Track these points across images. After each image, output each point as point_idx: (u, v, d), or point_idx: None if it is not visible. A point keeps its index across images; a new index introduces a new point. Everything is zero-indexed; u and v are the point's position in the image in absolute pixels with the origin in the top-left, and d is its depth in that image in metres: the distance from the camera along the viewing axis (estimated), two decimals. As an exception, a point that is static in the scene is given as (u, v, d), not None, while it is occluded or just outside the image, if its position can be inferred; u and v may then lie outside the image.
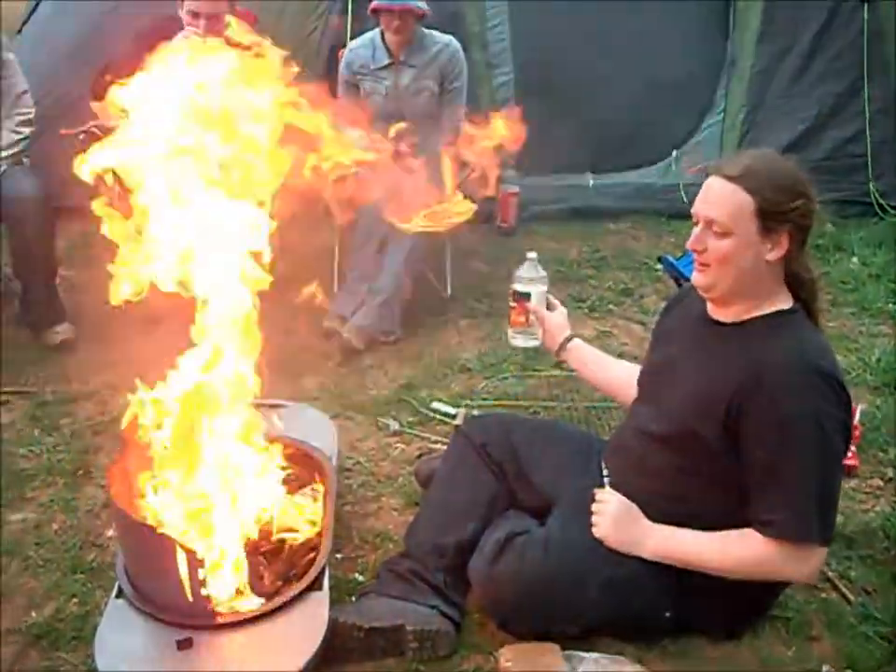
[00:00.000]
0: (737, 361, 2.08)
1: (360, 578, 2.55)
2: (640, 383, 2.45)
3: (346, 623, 2.20)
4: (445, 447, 2.86)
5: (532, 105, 4.98)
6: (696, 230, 2.10)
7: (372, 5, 3.98)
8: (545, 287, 2.60)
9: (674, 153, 5.35)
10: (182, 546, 2.07)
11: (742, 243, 2.03)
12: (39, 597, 2.48)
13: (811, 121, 5.27)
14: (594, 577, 2.20)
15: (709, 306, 2.22)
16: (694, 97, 5.37)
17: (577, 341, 2.65)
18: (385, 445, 3.23)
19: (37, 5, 5.19)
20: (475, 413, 3.33)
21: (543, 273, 2.61)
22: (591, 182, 5.19)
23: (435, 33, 4.15)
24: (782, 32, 5.28)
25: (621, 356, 3.80)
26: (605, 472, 2.42)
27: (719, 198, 2.05)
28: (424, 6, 3.96)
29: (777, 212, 2.01)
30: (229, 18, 3.43)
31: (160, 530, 2.12)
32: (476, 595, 2.35)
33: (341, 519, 2.78)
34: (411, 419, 3.37)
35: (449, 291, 4.30)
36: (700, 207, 2.09)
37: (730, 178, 2.03)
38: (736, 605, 2.28)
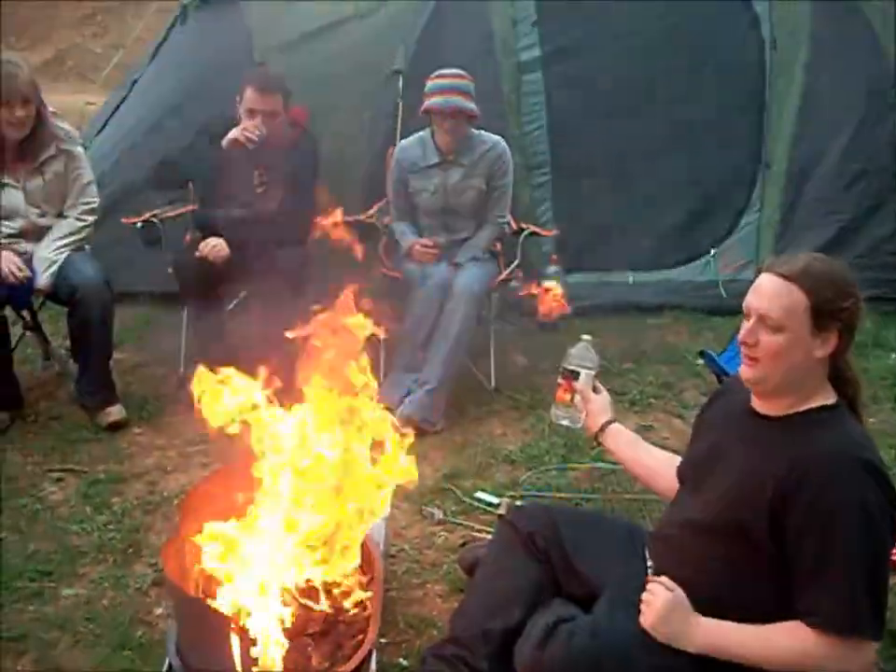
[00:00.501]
0: (783, 454, 2.10)
1: (405, 663, 2.58)
2: (682, 473, 2.47)
3: None
4: (489, 536, 2.90)
5: (572, 206, 5.22)
6: (748, 323, 2.14)
7: (425, 105, 4.13)
8: (594, 371, 2.64)
9: (712, 251, 5.43)
10: (236, 623, 2.10)
11: (794, 339, 2.08)
12: (88, 672, 2.52)
13: (847, 221, 5.34)
14: (640, 664, 2.20)
15: (753, 399, 2.25)
16: (731, 196, 5.47)
17: (616, 425, 2.67)
18: (429, 534, 3.26)
19: (117, 107, 5.44)
20: (518, 503, 3.36)
21: (595, 356, 2.65)
22: (630, 279, 5.27)
23: (483, 132, 4.30)
24: (816, 135, 5.40)
25: (662, 448, 3.86)
26: (648, 562, 2.44)
27: (774, 295, 2.09)
28: (474, 107, 4.10)
29: (830, 311, 2.06)
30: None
31: (215, 607, 2.16)
32: None
33: (386, 604, 2.79)
34: (454, 508, 3.40)
35: (493, 384, 4.36)
36: (754, 302, 2.13)
37: (785, 277, 2.08)
38: None
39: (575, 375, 2.61)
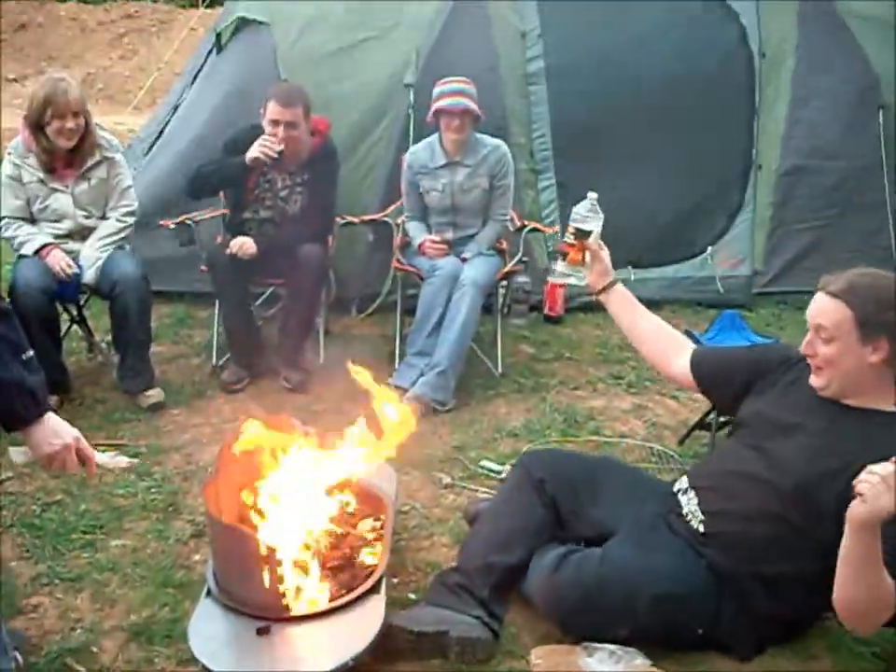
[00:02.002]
0: (861, 442, 2.38)
1: (413, 597, 2.91)
2: (749, 424, 2.69)
3: (398, 627, 2.55)
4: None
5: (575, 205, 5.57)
6: (808, 336, 2.52)
7: (434, 107, 4.51)
8: (600, 227, 2.69)
9: (709, 249, 5.78)
10: (265, 545, 2.47)
11: (844, 347, 2.43)
12: (137, 605, 2.88)
13: (835, 217, 5.74)
14: (644, 590, 2.51)
15: None
16: (725, 197, 5.83)
17: (620, 286, 2.87)
18: (437, 495, 3.60)
19: (162, 130, 5.86)
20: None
21: (601, 214, 2.69)
22: (632, 276, 5.58)
23: (486, 136, 4.67)
24: (804, 137, 5.78)
25: (654, 425, 4.20)
26: (692, 500, 2.65)
27: (823, 311, 2.46)
28: (478, 110, 4.48)
29: (875, 321, 2.40)
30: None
31: (246, 532, 2.53)
32: (538, 602, 2.66)
33: (397, 551, 3.14)
34: (461, 475, 3.74)
35: (500, 369, 4.70)
36: (810, 318, 2.51)
37: (832, 294, 2.45)
38: (769, 631, 2.59)
39: (587, 234, 2.68)
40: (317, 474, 2.97)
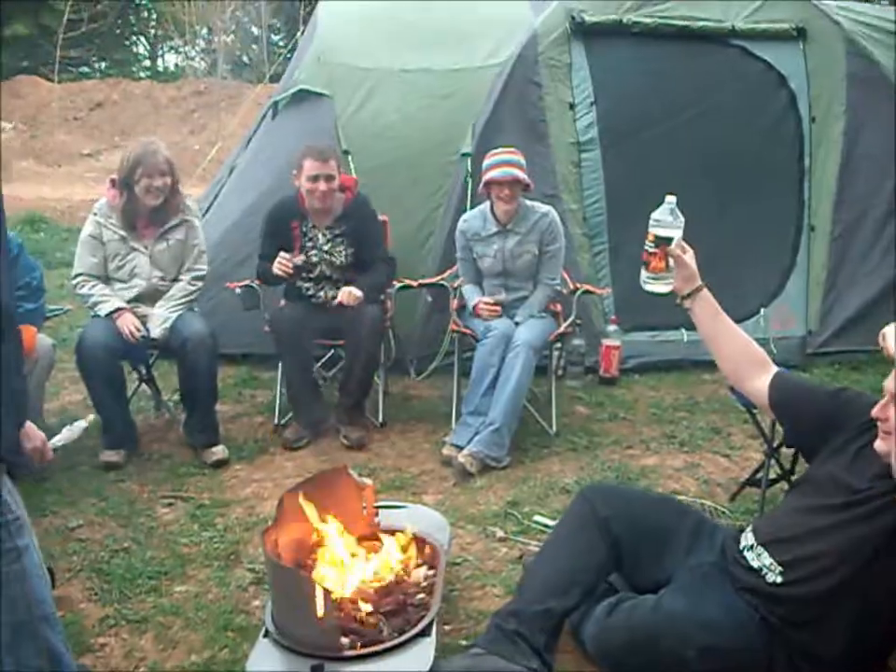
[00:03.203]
0: None
1: (464, 643, 2.98)
2: (819, 484, 2.59)
3: None
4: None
5: (629, 270, 5.65)
6: (883, 400, 2.39)
7: (485, 178, 4.68)
8: (681, 232, 2.62)
9: (762, 310, 5.83)
10: (321, 586, 2.57)
11: None
12: (198, 647, 3.00)
13: (890, 279, 5.76)
14: (694, 640, 2.51)
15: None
16: (777, 258, 5.92)
17: (706, 293, 2.74)
18: (490, 549, 3.67)
19: (221, 188, 6.14)
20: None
21: (682, 218, 2.61)
22: (685, 337, 5.65)
23: (536, 203, 4.81)
24: (856, 199, 5.86)
25: (706, 482, 4.24)
26: (762, 555, 2.58)
27: None
28: (526, 178, 4.63)
29: None
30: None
31: (302, 574, 2.64)
32: (589, 648, 2.73)
33: (450, 600, 3.23)
34: (514, 529, 3.80)
35: (554, 429, 4.77)
36: (890, 384, 2.32)
37: None
38: None
39: (668, 241, 2.59)
40: (373, 525, 3.10)
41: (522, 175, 4.60)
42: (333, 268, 4.77)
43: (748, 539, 2.70)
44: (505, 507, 4.01)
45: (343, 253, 4.77)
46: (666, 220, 2.58)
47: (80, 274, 4.45)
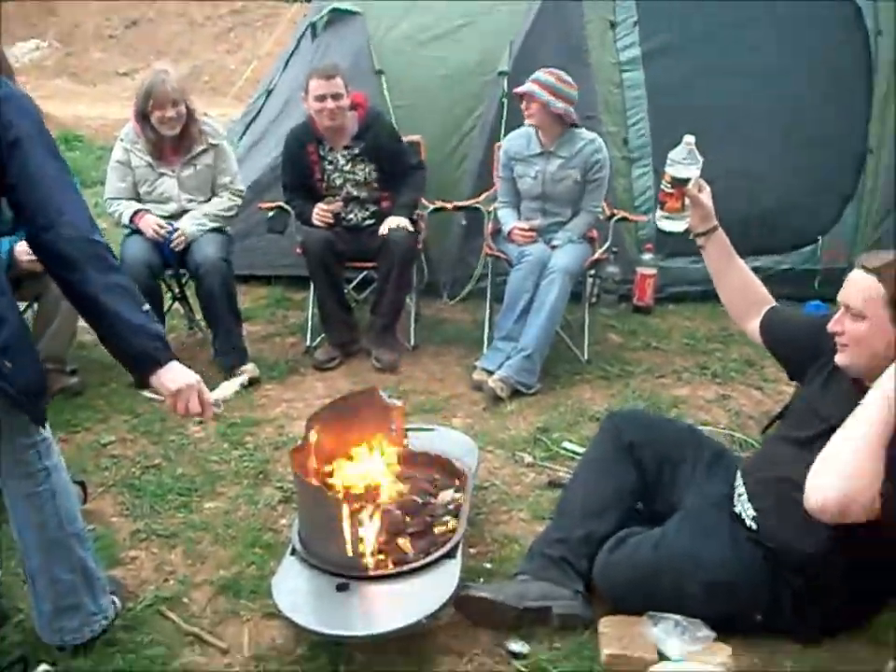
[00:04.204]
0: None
1: (489, 566, 3.00)
2: (795, 413, 2.66)
3: (503, 604, 2.63)
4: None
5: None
6: (837, 314, 2.41)
7: (520, 90, 4.56)
8: (699, 172, 2.60)
9: (819, 240, 5.65)
10: (347, 506, 2.58)
11: (874, 327, 2.31)
12: (226, 562, 3.04)
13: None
14: (695, 577, 2.54)
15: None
16: (837, 185, 5.67)
17: (720, 233, 2.75)
18: (518, 474, 3.67)
19: (252, 121, 6.08)
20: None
21: (699, 158, 2.59)
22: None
23: (583, 130, 4.68)
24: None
25: (737, 414, 4.20)
26: (738, 490, 2.66)
27: (856, 286, 2.35)
28: (558, 105, 4.45)
29: None
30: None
31: (329, 494, 2.65)
32: (594, 581, 2.72)
33: (476, 524, 3.24)
34: (543, 455, 3.80)
35: (586, 356, 4.73)
36: (841, 293, 2.40)
37: (868, 270, 2.34)
38: (831, 619, 2.57)
39: (685, 181, 2.58)
40: (400, 446, 3.09)
41: (545, 96, 4.43)
42: (358, 187, 4.73)
43: (737, 478, 2.70)
44: (534, 433, 4.00)
45: (365, 170, 4.71)
46: (684, 160, 2.57)
47: (111, 198, 4.49)
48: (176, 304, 4.89)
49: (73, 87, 15.18)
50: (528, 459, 3.76)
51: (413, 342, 4.88)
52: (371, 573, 2.62)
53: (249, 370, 4.41)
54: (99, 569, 2.60)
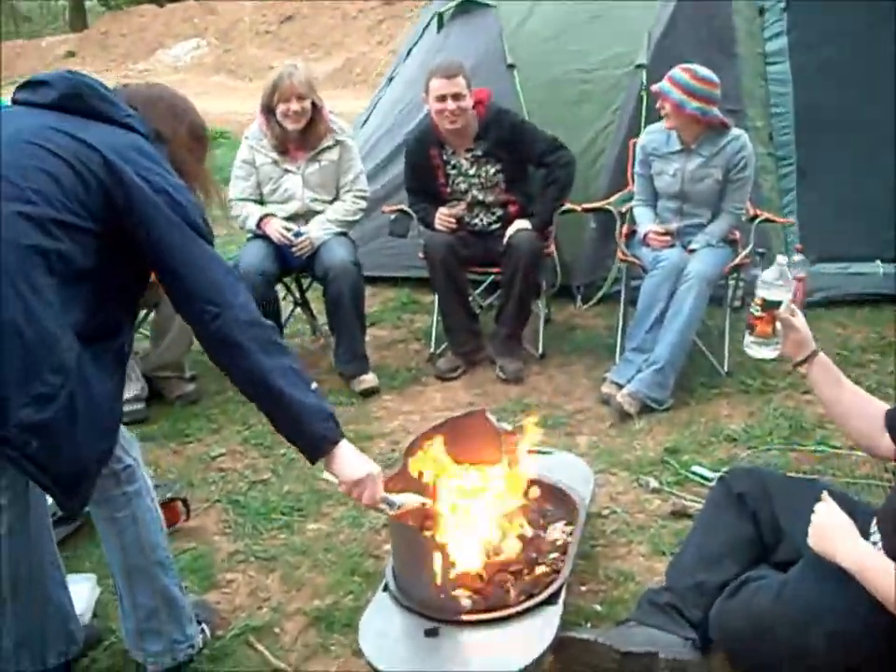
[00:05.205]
0: None
1: (598, 608, 2.77)
2: None
3: (605, 645, 2.39)
4: (699, 506, 3.01)
5: (817, 193, 5.13)
6: None
7: (654, 88, 4.26)
8: (791, 295, 2.48)
9: None
10: (438, 547, 2.40)
11: None
12: (323, 590, 2.92)
13: None
14: (819, 625, 2.25)
15: None
16: None
17: (823, 356, 2.53)
18: (642, 500, 3.41)
19: (374, 108, 5.98)
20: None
21: (791, 279, 2.51)
22: (881, 270, 5.11)
23: (730, 129, 4.34)
24: None
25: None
26: (873, 537, 2.34)
27: None
28: (695, 106, 4.10)
29: None
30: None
31: (419, 533, 2.47)
32: (710, 632, 2.46)
33: (590, 557, 3.02)
34: (670, 479, 3.52)
35: (726, 368, 4.40)
36: None
37: None
38: None
39: (777, 304, 2.44)
40: (507, 475, 2.89)
41: (675, 94, 4.09)
42: (484, 191, 4.52)
43: (873, 524, 2.35)
44: (662, 454, 3.72)
45: (491, 171, 4.50)
46: (776, 282, 2.45)
47: (236, 199, 4.43)
48: (299, 309, 4.82)
49: (230, 82, 15.61)
50: (654, 484, 3.49)
51: (540, 350, 4.66)
52: (464, 618, 2.43)
53: (369, 380, 4.31)
54: (185, 597, 2.53)
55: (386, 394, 4.34)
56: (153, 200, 2.06)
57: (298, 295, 4.73)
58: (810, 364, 2.50)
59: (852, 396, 2.53)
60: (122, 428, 2.33)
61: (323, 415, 2.16)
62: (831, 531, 2.19)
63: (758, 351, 2.52)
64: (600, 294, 5.20)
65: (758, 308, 2.46)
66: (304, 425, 2.14)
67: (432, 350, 4.69)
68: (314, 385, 2.19)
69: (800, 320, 2.48)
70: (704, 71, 4.16)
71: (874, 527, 2.38)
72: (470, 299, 4.72)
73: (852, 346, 4.71)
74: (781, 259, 2.49)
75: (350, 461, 2.21)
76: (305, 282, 4.69)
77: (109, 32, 20.70)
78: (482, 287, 4.98)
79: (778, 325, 2.45)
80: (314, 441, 2.17)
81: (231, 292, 2.11)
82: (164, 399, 4.21)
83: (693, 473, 3.55)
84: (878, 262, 5.10)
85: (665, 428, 3.95)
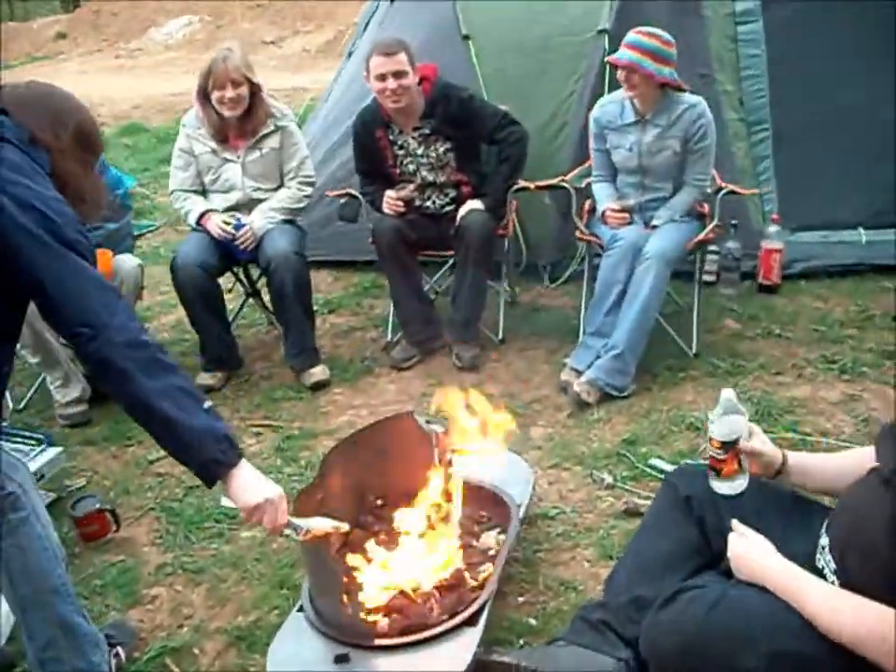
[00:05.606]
0: None
1: (533, 623, 2.61)
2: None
3: (528, 669, 2.23)
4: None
5: (795, 159, 4.91)
6: None
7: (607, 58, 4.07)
8: (745, 421, 2.30)
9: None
10: (345, 570, 2.25)
11: None
12: (248, 606, 2.78)
13: None
14: (759, 646, 2.05)
15: None
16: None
17: (793, 459, 2.37)
18: (594, 498, 3.25)
19: (334, 83, 5.78)
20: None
21: (743, 409, 2.32)
22: (864, 238, 4.90)
23: (684, 94, 4.12)
24: None
25: (864, 421, 3.62)
26: (822, 539, 2.17)
27: None
28: (658, 71, 3.89)
29: None
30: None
31: (328, 554, 2.31)
32: (640, 646, 2.30)
33: (531, 564, 2.87)
34: (626, 474, 3.36)
35: (694, 349, 4.21)
36: None
37: None
38: None
39: (735, 442, 2.29)
40: (438, 481, 2.72)
41: (648, 63, 3.89)
42: (434, 171, 4.31)
43: (822, 527, 2.16)
44: (619, 445, 3.56)
45: (441, 150, 4.28)
46: (726, 417, 2.24)
47: (177, 190, 4.26)
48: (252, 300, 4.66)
49: (221, 59, 15.36)
50: (608, 480, 3.32)
51: (500, 334, 4.47)
52: (378, 643, 2.27)
53: (318, 373, 4.16)
54: (88, 624, 2.40)
55: (337, 386, 4.17)
56: (14, 217, 1.89)
57: (247, 286, 4.55)
58: (786, 474, 2.35)
59: (837, 468, 2.34)
60: (4, 455, 2.20)
61: (215, 437, 2.00)
62: (747, 561, 2.07)
63: (730, 488, 2.32)
64: (568, 273, 5.02)
65: (719, 451, 2.27)
66: (194, 449, 1.98)
67: (388, 338, 4.51)
68: (206, 405, 2.02)
69: (760, 439, 2.30)
70: (657, 30, 3.96)
71: (823, 528, 2.20)
72: (427, 285, 4.54)
73: (830, 321, 4.50)
74: (726, 392, 2.28)
75: (247, 486, 2.04)
76: (256, 272, 4.50)
77: (101, 11, 20.40)
78: (441, 272, 4.79)
79: (743, 459, 2.27)
80: (205, 465, 2.01)
81: (107, 312, 1.95)
82: (107, 399, 4.05)
83: (650, 467, 3.38)
84: (860, 229, 4.88)
85: (624, 418, 3.78)
